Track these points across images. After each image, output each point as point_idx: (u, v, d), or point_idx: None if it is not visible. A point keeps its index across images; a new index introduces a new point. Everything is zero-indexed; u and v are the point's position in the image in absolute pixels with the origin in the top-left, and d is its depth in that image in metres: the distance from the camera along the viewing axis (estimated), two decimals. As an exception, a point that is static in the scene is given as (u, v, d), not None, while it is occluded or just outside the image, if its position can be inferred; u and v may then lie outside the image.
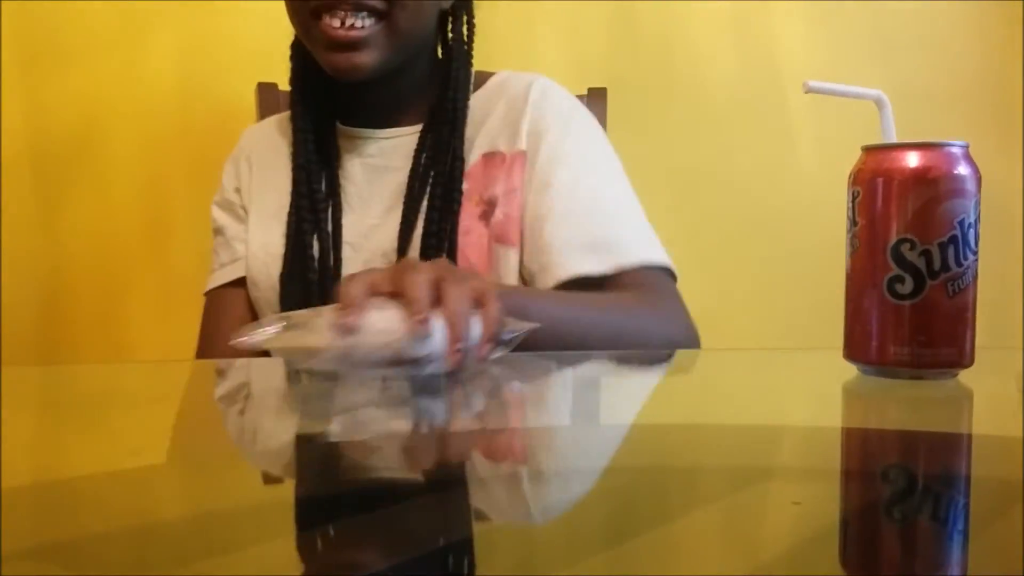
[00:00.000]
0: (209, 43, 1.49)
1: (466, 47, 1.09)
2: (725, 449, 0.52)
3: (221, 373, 0.89)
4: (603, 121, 1.27)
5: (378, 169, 1.10)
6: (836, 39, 1.54)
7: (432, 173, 1.05)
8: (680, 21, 1.55)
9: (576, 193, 1.04)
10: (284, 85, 1.36)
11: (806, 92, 0.70)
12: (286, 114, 1.17)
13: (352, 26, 0.98)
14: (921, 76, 1.51)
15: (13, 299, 1.53)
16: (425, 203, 1.04)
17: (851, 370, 0.68)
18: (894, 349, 0.65)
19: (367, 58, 1.00)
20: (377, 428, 0.59)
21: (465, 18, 1.10)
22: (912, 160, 0.65)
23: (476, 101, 1.10)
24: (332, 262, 1.06)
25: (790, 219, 1.55)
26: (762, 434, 0.56)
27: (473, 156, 1.07)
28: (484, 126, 1.09)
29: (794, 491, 0.45)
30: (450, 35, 1.09)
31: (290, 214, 1.08)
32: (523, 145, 1.06)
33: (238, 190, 1.16)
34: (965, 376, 0.66)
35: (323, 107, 1.11)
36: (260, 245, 1.10)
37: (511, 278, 1.04)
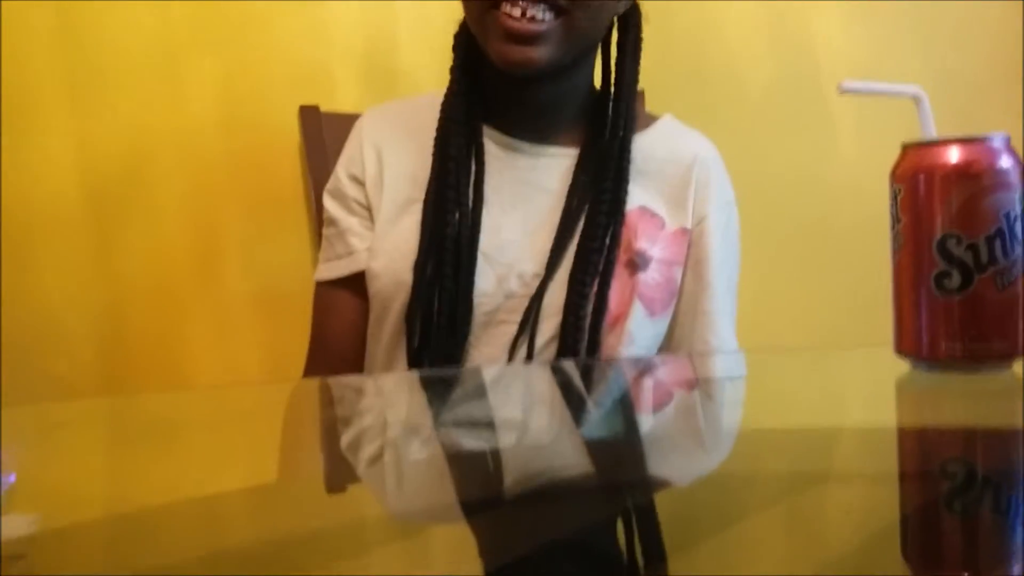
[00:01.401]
0: (250, 67, 1.51)
1: (634, 58, 1.06)
2: (783, 454, 0.53)
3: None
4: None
5: (527, 184, 1.06)
6: (873, 33, 1.53)
7: (592, 197, 1.03)
8: (715, 20, 1.55)
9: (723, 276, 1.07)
10: (326, 107, 1.39)
11: (841, 93, 0.71)
12: (412, 100, 1.14)
13: (532, 18, 0.94)
14: (960, 68, 1.50)
15: (73, 333, 1.56)
16: (581, 224, 1.02)
17: (903, 366, 0.68)
18: (946, 344, 0.65)
19: (542, 53, 0.96)
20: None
21: (632, 29, 1.06)
22: (953, 155, 0.65)
23: (642, 141, 1.07)
24: (468, 263, 1.02)
25: (831, 217, 1.54)
26: (819, 437, 0.56)
27: (630, 202, 1.04)
28: (645, 175, 1.06)
29: (854, 493, 0.45)
30: (614, 45, 1.06)
31: (427, 202, 1.03)
32: (688, 223, 1.06)
33: (356, 180, 1.09)
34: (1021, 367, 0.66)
35: (475, 104, 1.06)
36: (389, 239, 1.06)
37: (638, 341, 1.03)
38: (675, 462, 0.46)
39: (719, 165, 1.12)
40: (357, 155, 1.10)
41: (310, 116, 1.37)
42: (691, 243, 1.06)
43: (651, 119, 1.12)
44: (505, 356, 1.01)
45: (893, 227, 0.68)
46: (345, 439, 0.66)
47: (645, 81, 1.38)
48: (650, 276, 1.04)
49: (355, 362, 1.10)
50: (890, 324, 0.69)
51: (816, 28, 1.54)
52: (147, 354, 1.55)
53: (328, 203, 1.11)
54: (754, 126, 1.55)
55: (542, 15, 0.95)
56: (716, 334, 1.05)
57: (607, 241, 1.01)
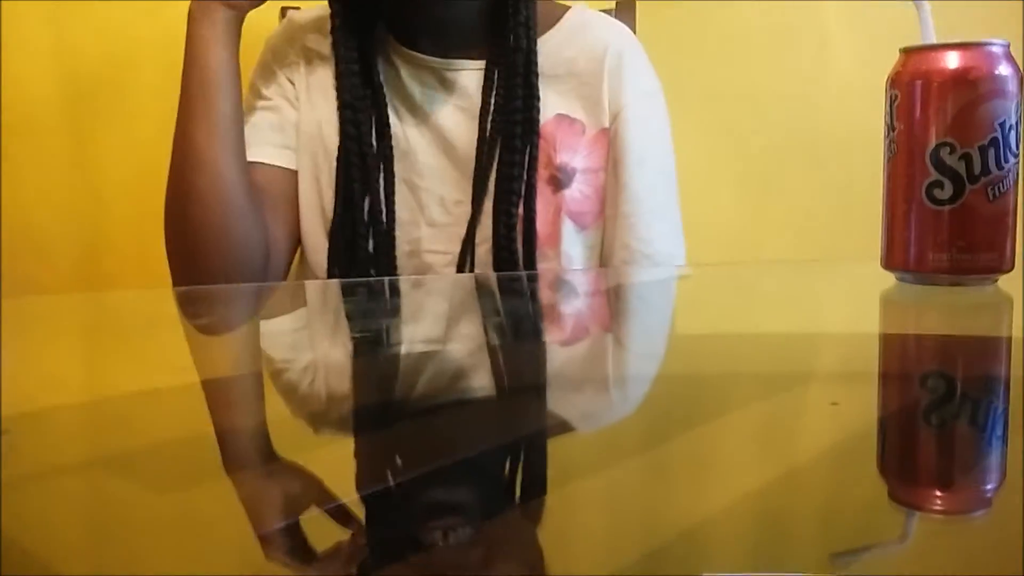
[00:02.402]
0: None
1: None
2: (762, 357, 0.52)
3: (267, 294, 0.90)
4: (632, 34, 1.25)
5: (438, 102, 1.02)
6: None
7: (504, 117, 0.98)
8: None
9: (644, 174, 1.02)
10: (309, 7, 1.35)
11: (842, -6, 0.68)
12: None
13: None
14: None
15: (53, 238, 1.55)
16: (498, 148, 0.99)
17: (889, 279, 0.68)
18: (933, 256, 0.64)
19: None
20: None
21: None
22: (951, 61, 0.63)
23: (549, 43, 1.02)
24: (385, 228, 1.00)
25: (827, 130, 1.52)
26: (799, 341, 0.56)
27: (546, 111, 1.00)
28: (557, 79, 1.01)
29: (831, 394, 0.45)
30: None
31: (338, 162, 1.00)
32: (606, 122, 1.01)
33: (291, 81, 1.05)
34: (1005, 282, 0.65)
35: (368, 30, 1.02)
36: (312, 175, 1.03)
37: (575, 257, 1.01)
38: (575, 402, 0.45)
39: (634, 52, 1.05)
40: (285, 56, 1.06)
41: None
42: (609, 142, 1.01)
43: (560, 12, 1.06)
44: None
45: (887, 135, 0.66)
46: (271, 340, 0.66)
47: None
48: (576, 190, 1.01)
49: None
50: (880, 241, 0.68)
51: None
52: (126, 259, 1.54)
53: (265, 89, 1.05)
54: (751, 36, 1.52)
55: None
56: (638, 237, 1.00)
57: (526, 164, 0.98)
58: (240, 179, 0.96)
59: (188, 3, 0.97)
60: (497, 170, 0.99)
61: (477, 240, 0.99)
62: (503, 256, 0.98)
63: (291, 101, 1.04)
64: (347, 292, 0.89)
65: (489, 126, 1.00)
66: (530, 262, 0.98)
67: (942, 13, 0.68)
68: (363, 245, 0.99)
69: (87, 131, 1.54)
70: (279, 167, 1.02)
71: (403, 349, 0.59)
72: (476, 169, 1.00)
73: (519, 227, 0.98)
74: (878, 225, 0.68)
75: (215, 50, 0.95)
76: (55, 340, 0.66)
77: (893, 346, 0.57)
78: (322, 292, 0.91)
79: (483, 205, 0.99)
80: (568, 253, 1.00)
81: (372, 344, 0.60)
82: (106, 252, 1.56)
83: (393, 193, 1.01)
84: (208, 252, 0.96)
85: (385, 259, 1.00)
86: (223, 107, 0.95)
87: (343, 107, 0.99)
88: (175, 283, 1.00)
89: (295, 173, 1.03)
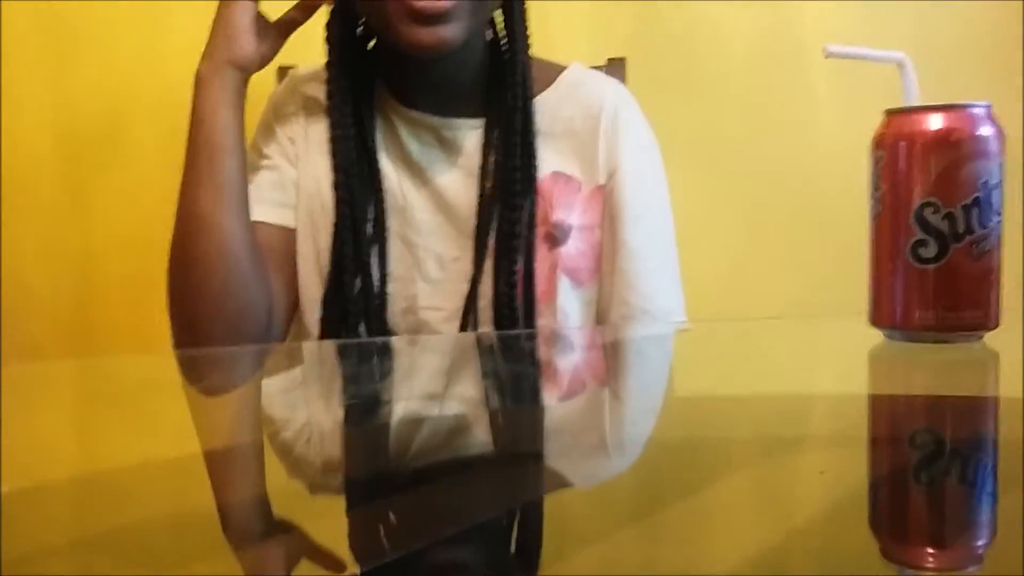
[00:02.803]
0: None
1: (522, 22, 1.01)
2: (753, 419, 0.53)
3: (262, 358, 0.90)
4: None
5: (436, 160, 1.02)
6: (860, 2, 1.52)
7: (503, 176, 0.99)
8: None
9: (642, 230, 1.03)
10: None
11: (827, 57, 0.70)
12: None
13: None
14: (945, 35, 1.49)
15: (47, 288, 1.55)
16: (498, 207, 0.99)
17: (877, 336, 0.68)
18: (919, 313, 0.65)
19: (455, 30, 0.91)
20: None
21: None
22: (934, 122, 0.64)
23: (546, 101, 1.03)
24: (377, 290, 1.00)
25: (812, 184, 1.54)
26: (790, 403, 0.56)
27: (543, 168, 1.01)
28: (554, 137, 1.02)
29: (822, 459, 0.45)
30: (500, 19, 1.02)
31: (334, 243, 1.00)
32: (602, 180, 1.02)
33: (291, 139, 1.05)
34: (991, 338, 0.66)
35: (366, 90, 1.03)
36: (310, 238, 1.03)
37: (571, 314, 1.01)
38: (572, 465, 0.45)
39: (630, 108, 1.06)
40: (287, 115, 1.06)
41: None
42: (605, 199, 1.02)
43: (556, 71, 1.07)
44: None
45: (873, 194, 0.67)
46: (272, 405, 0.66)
47: (628, 48, 1.38)
48: (572, 246, 1.01)
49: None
50: (866, 295, 0.69)
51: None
52: (119, 315, 1.54)
53: (266, 148, 1.06)
54: (736, 92, 1.54)
55: None
56: (637, 293, 1.01)
57: (525, 223, 0.99)
58: (245, 242, 0.96)
59: (186, 63, 0.97)
60: (498, 228, 0.99)
61: (477, 298, 1.00)
62: (503, 313, 0.98)
63: (290, 160, 1.04)
64: (344, 354, 0.89)
65: (488, 185, 1.00)
66: (530, 319, 0.99)
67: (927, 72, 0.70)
68: (355, 311, 0.99)
69: (84, 188, 1.55)
70: (279, 226, 1.03)
71: (400, 412, 0.59)
72: (477, 227, 1.00)
73: (520, 287, 0.98)
74: (861, 274, 0.69)
75: (222, 112, 0.95)
76: (49, 409, 0.66)
77: (883, 406, 0.57)
78: (318, 354, 0.91)
79: (484, 263, 1.00)
80: (564, 309, 1.01)
81: (368, 408, 0.60)
82: (99, 309, 1.56)
83: (386, 254, 1.01)
84: (211, 317, 0.95)
85: (377, 320, 1.00)
86: (229, 170, 0.95)
87: (337, 170, 1.00)
88: (176, 345, 0.99)
89: (294, 231, 1.03)
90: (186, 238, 0.96)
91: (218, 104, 0.95)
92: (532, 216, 0.99)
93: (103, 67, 1.53)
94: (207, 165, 0.95)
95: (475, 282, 0.99)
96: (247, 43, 0.97)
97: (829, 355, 0.77)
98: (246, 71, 0.97)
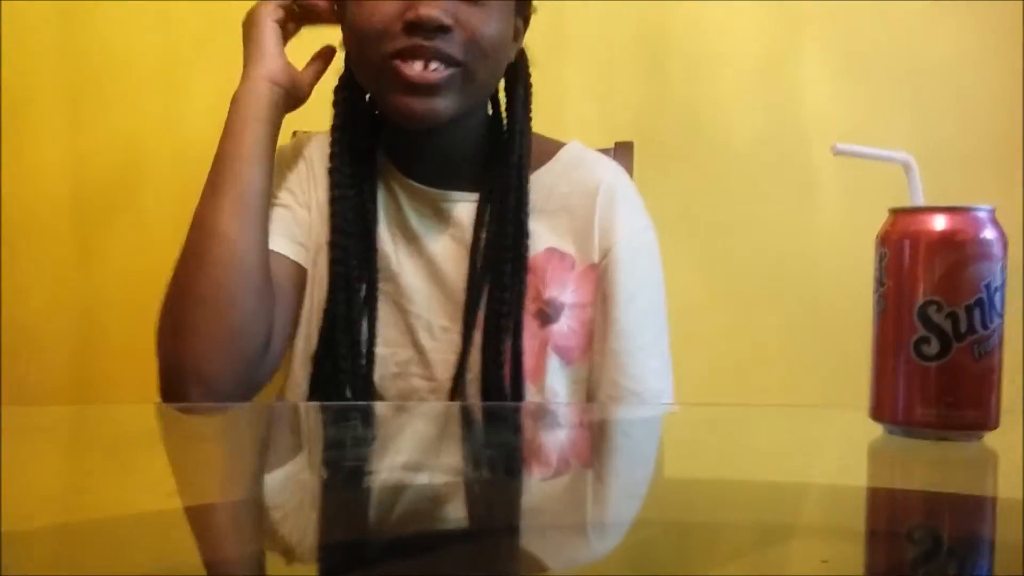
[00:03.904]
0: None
1: (525, 104, 1.04)
2: (750, 506, 0.53)
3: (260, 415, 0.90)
4: (630, 174, 1.29)
5: (431, 230, 1.04)
6: (864, 95, 1.55)
7: (495, 254, 1.00)
8: (708, 77, 1.57)
9: (634, 312, 1.03)
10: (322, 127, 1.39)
11: (835, 155, 0.72)
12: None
13: (433, 70, 0.93)
14: (951, 136, 1.52)
15: (49, 339, 1.55)
16: (488, 283, 1.00)
17: (877, 429, 0.69)
18: (920, 410, 0.65)
19: (446, 103, 0.94)
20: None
21: (521, 74, 1.05)
22: (939, 223, 0.66)
23: (544, 177, 1.05)
24: (365, 355, 1.01)
25: (815, 276, 1.55)
26: (787, 492, 0.56)
27: (537, 244, 1.02)
28: (550, 213, 1.03)
29: (819, 549, 0.45)
30: (505, 95, 1.05)
31: (328, 302, 1.01)
32: (595, 258, 1.02)
33: (304, 191, 1.06)
34: (990, 439, 0.66)
35: (368, 156, 1.05)
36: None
37: (560, 392, 1.01)
38: (553, 543, 0.45)
39: (626, 189, 1.07)
40: (297, 170, 1.07)
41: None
42: (598, 277, 1.02)
43: (555, 147, 1.08)
44: None
45: (877, 290, 0.68)
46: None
47: (637, 134, 1.40)
48: (563, 324, 1.02)
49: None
50: (867, 389, 0.69)
51: (807, 88, 1.55)
52: (121, 365, 1.54)
53: (279, 193, 1.05)
54: (743, 182, 1.56)
55: (441, 67, 0.93)
56: (627, 374, 1.00)
57: (515, 299, 0.99)
58: (258, 258, 0.95)
59: (202, 123, 0.99)
60: (487, 306, 1.00)
61: (466, 372, 1.00)
62: (491, 390, 0.98)
63: (305, 206, 1.05)
64: (332, 418, 0.89)
65: (479, 260, 1.01)
66: (517, 396, 0.99)
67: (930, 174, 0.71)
68: (345, 368, 0.99)
69: (93, 241, 1.56)
70: (291, 260, 1.02)
71: (380, 482, 0.58)
72: (466, 302, 1.01)
73: (508, 362, 0.99)
74: (863, 368, 0.69)
75: (254, 126, 0.96)
76: (44, 454, 0.66)
77: (881, 499, 0.57)
78: (305, 416, 0.91)
79: (472, 338, 1.00)
80: (553, 387, 1.01)
81: (348, 475, 0.60)
82: (99, 360, 1.56)
83: (376, 317, 1.01)
84: (212, 331, 0.92)
85: (364, 382, 1.00)
86: (252, 180, 0.95)
87: (334, 231, 1.01)
88: (161, 364, 0.94)
89: (305, 272, 1.03)
90: (199, 244, 0.94)
91: (250, 118, 0.96)
92: (521, 296, 1.00)
93: (121, 123, 1.55)
94: (230, 172, 0.95)
95: (463, 356, 1.00)
96: (279, 56, 0.99)
97: (827, 446, 0.77)
98: (282, 85, 0.99)
